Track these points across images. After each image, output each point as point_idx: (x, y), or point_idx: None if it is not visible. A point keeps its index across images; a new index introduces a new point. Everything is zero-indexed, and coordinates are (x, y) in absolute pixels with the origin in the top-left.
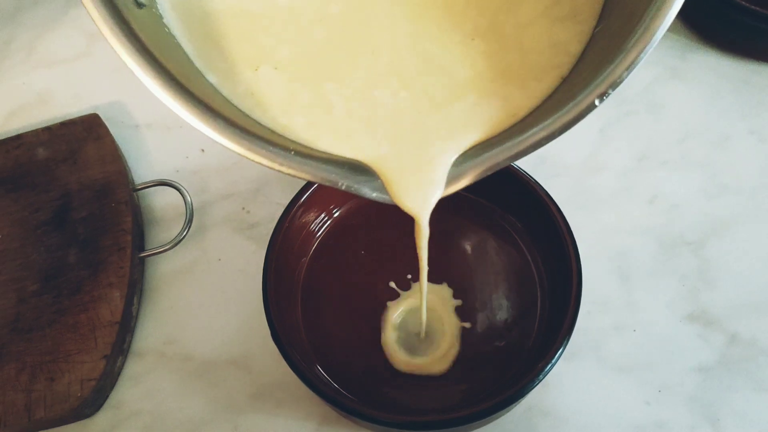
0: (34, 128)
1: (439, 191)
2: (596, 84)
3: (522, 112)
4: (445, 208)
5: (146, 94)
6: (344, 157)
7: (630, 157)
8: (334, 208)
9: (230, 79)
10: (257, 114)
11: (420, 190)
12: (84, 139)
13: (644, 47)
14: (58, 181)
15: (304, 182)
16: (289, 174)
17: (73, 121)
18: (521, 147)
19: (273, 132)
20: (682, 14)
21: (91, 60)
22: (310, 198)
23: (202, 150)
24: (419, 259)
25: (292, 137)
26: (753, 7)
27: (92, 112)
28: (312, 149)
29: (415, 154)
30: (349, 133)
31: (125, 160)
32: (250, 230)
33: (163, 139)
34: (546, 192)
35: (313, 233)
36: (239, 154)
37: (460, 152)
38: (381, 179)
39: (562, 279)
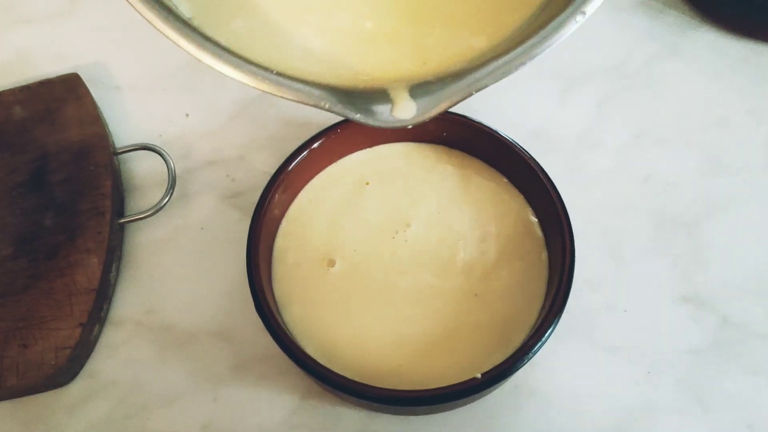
0: (11, 87)
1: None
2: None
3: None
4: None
5: (129, 55)
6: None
7: (626, 134)
8: (320, 177)
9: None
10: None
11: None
12: (63, 99)
13: None
14: (35, 141)
15: (291, 150)
16: (270, 92)
17: (52, 81)
18: (502, 70)
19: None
20: None
21: (73, 18)
22: (297, 166)
23: (187, 115)
24: None
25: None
26: None
27: (72, 71)
28: (294, 67)
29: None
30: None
31: (106, 123)
32: (235, 198)
33: (146, 102)
34: (540, 166)
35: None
36: (220, 72)
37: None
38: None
39: (555, 256)
